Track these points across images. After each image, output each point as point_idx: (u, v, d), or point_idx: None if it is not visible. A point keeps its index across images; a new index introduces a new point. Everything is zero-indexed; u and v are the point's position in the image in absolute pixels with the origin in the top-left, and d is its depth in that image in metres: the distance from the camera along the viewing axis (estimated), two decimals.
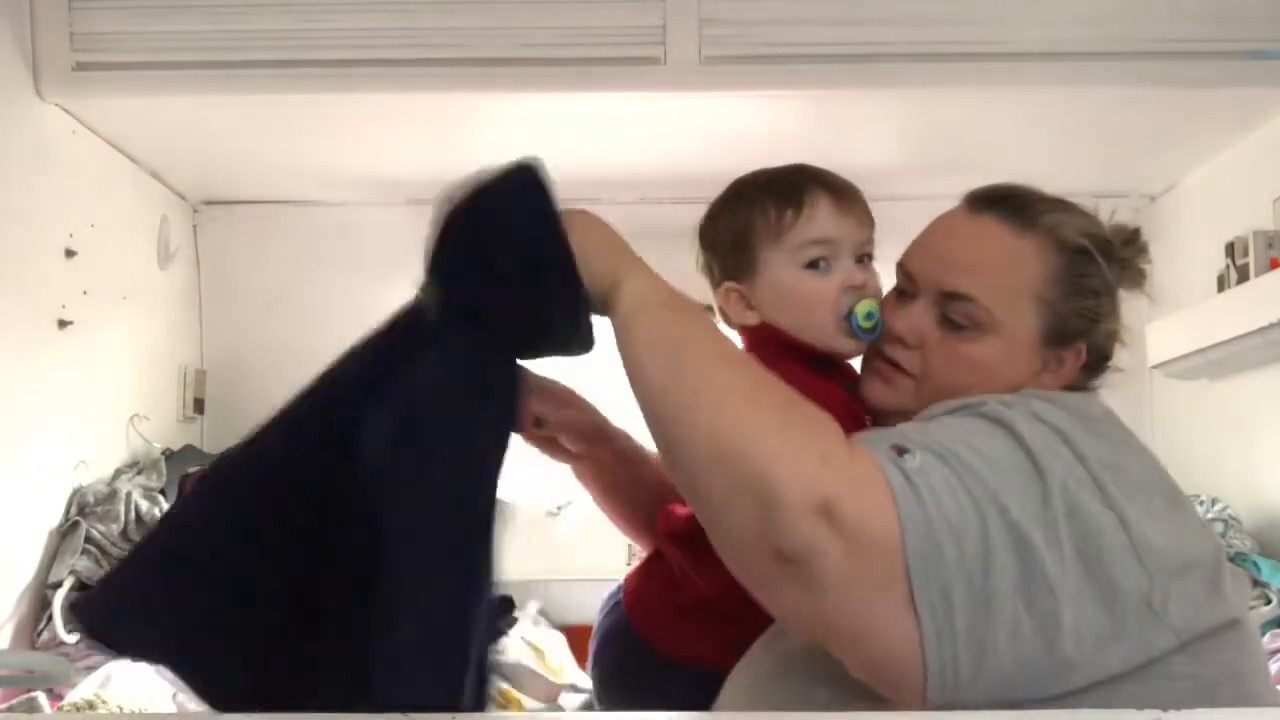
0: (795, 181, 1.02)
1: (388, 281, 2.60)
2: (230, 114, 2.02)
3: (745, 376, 0.79)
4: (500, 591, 0.83)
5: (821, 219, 0.99)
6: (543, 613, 2.38)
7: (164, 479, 2.13)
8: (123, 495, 1.97)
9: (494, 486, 0.82)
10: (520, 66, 1.85)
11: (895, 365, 0.96)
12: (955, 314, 0.92)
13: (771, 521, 0.70)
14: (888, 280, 1.02)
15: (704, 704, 0.91)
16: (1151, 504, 0.76)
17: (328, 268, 2.53)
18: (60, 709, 1.58)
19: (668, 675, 1.00)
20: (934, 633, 0.68)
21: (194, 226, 2.53)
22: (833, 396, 0.92)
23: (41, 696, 1.59)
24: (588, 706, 2.02)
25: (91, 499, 1.96)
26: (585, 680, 1.98)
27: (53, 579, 1.86)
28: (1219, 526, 2.04)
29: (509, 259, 0.89)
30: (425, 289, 0.91)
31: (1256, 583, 1.93)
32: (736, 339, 0.96)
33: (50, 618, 1.80)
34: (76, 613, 1.03)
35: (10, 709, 1.56)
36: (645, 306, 0.85)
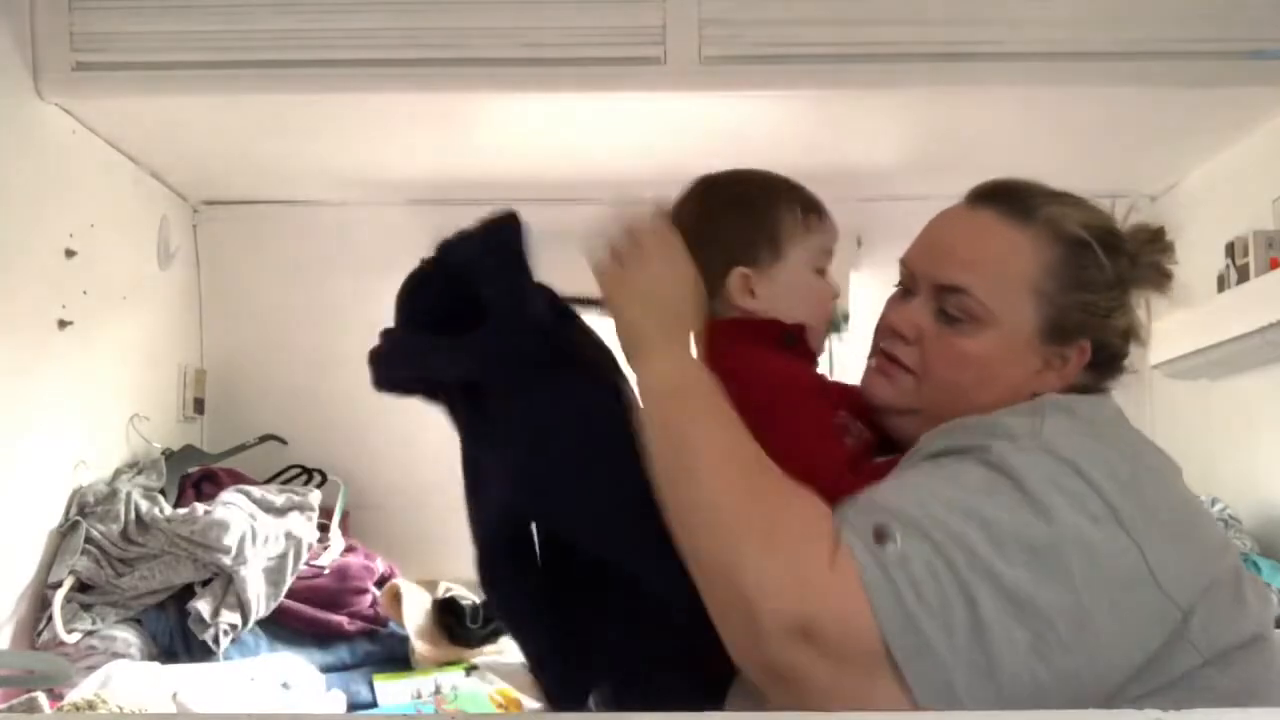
0: (808, 193, 1.07)
1: (388, 281, 2.60)
2: (230, 114, 2.02)
3: (737, 482, 0.79)
4: None
5: (832, 230, 1.06)
6: None
7: (164, 479, 2.13)
8: (123, 495, 1.96)
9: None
10: (520, 66, 1.84)
11: (895, 361, 0.96)
12: (951, 307, 0.92)
13: (757, 643, 0.73)
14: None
15: (712, 705, 0.91)
16: (1170, 524, 0.76)
17: (328, 268, 2.53)
18: (60, 709, 1.58)
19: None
20: (944, 713, 0.70)
21: (194, 226, 2.53)
22: (813, 378, 1.01)
23: (41, 696, 1.59)
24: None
25: (91, 499, 1.96)
26: None
27: (53, 579, 1.86)
28: (1221, 528, 2.04)
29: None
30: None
31: None
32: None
33: (50, 618, 1.80)
34: None
35: (10, 709, 1.56)
36: (656, 391, 0.86)
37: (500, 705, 1.95)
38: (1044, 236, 0.91)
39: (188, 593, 1.93)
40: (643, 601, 0.86)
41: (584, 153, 2.18)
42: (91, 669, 1.72)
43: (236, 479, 2.26)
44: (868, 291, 2.18)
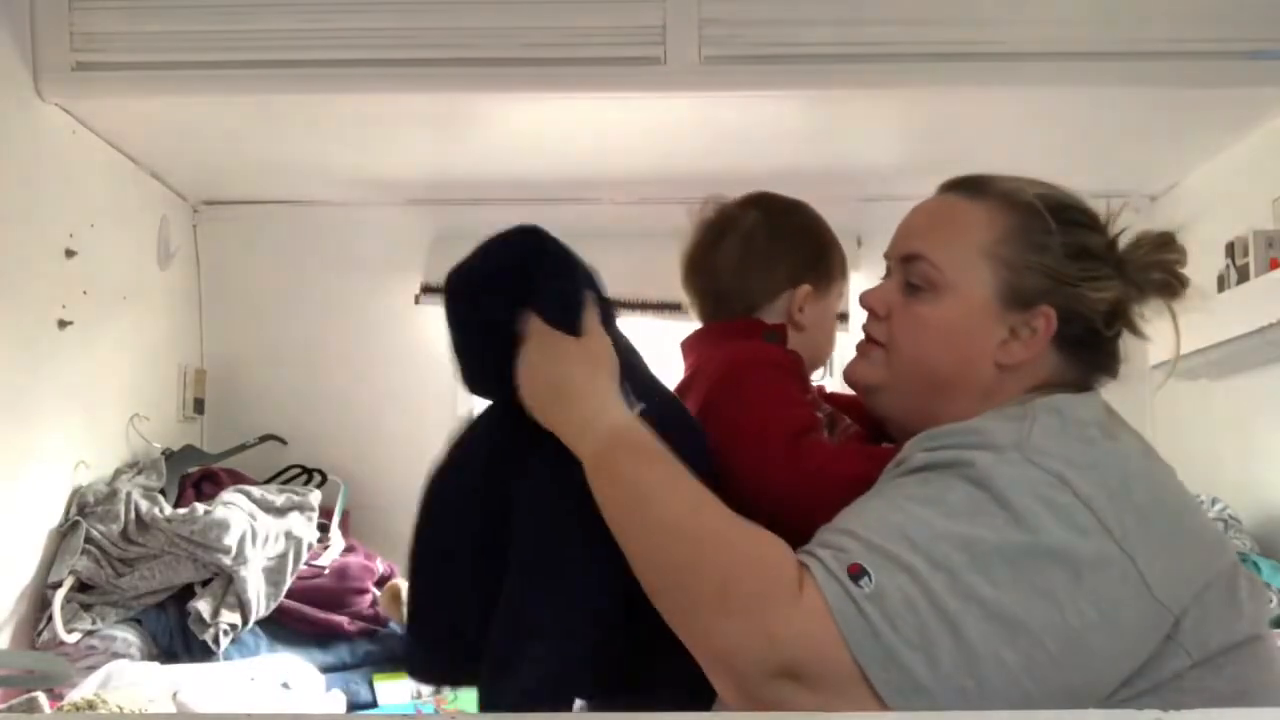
0: None
1: (388, 281, 2.62)
2: (230, 114, 2.02)
3: (686, 541, 0.79)
4: None
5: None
6: None
7: (164, 479, 2.13)
8: (123, 495, 1.97)
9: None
10: (520, 66, 1.85)
11: (869, 339, 0.99)
12: (913, 276, 0.94)
13: (742, 687, 0.73)
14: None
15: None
16: (1163, 529, 0.76)
17: (328, 268, 2.53)
18: (60, 709, 1.58)
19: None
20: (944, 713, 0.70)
21: (194, 226, 2.53)
22: (787, 358, 1.08)
23: (41, 696, 1.59)
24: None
25: (91, 499, 1.96)
26: None
27: (53, 579, 1.86)
28: (1219, 526, 2.04)
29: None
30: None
31: None
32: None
33: (50, 618, 1.80)
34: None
35: (10, 709, 1.56)
36: (597, 465, 0.84)
37: None
38: (998, 206, 0.93)
39: (188, 593, 1.93)
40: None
41: (584, 153, 2.18)
42: (91, 669, 1.72)
43: (236, 479, 2.26)
44: None
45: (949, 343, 0.91)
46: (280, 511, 2.10)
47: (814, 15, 1.84)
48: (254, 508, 2.05)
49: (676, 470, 0.83)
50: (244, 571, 1.92)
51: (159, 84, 1.87)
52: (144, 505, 1.96)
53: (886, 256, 1.01)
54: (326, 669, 2.00)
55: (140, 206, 2.30)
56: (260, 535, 1.99)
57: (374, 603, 2.12)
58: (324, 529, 2.19)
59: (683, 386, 1.10)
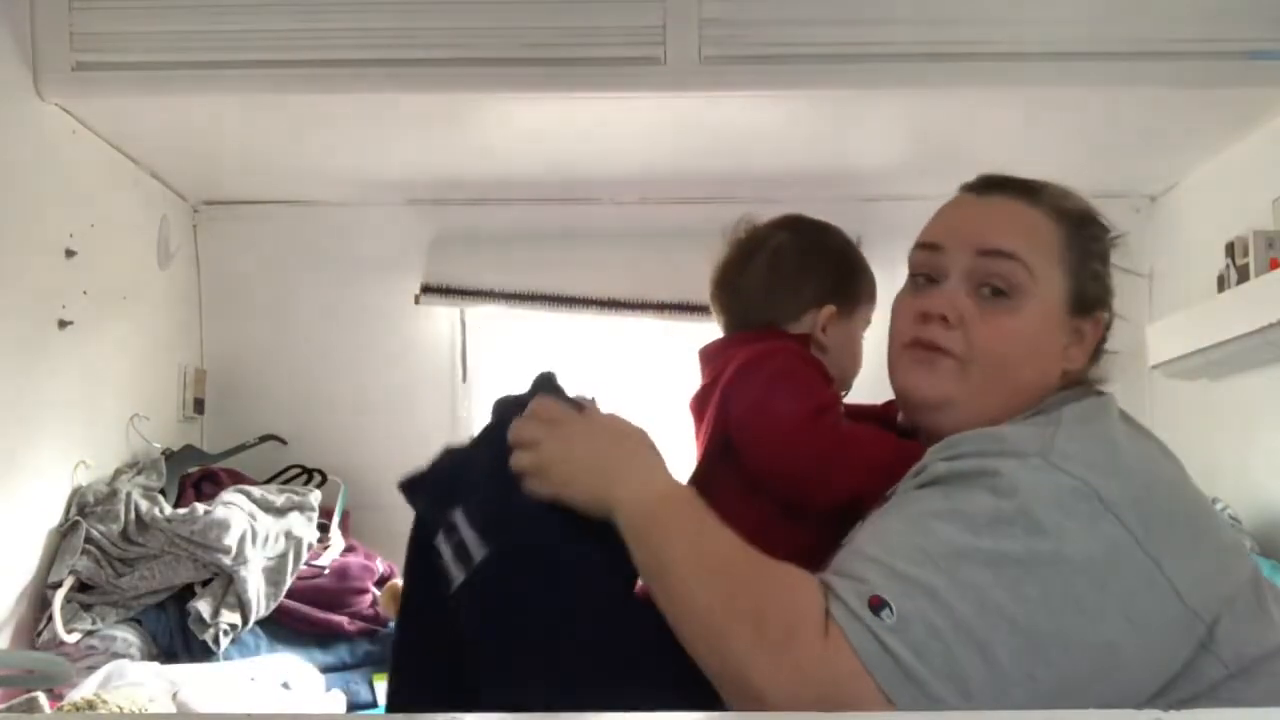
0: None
1: (388, 281, 2.61)
2: (230, 114, 2.02)
3: (718, 591, 0.79)
4: None
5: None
6: None
7: (164, 479, 2.13)
8: (123, 495, 1.96)
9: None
10: (520, 66, 1.84)
11: (936, 348, 0.93)
12: (995, 278, 0.91)
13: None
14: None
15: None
16: (1187, 535, 0.75)
17: (328, 268, 2.53)
18: (60, 709, 1.58)
19: None
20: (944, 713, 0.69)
21: (194, 226, 2.53)
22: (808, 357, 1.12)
23: (41, 696, 1.59)
24: None
25: (91, 499, 1.96)
26: None
27: (53, 579, 1.86)
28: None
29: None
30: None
31: None
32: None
33: (50, 618, 1.80)
34: None
35: (10, 709, 1.56)
36: (631, 527, 0.85)
37: None
38: (1054, 213, 0.94)
39: (188, 593, 1.93)
40: None
41: (584, 153, 2.18)
42: (91, 669, 1.71)
43: (236, 479, 2.26)
44: None
45: (1034, 352, 0.90)
46: (280, 511, 2.10)
47: (814, 15, 1.84)
48: (254, 508, 2.05)
49: (706, 520, 0.84)
50: (244, 571, 1.92)
51: (159, 84, 1.87)
52: (144, 505, 1.96)
53: (933, 251, 0.96)
54: (326, 669, 2.00)
55: (140, 206, 2.30)
56: (260, 535, 1.99)
57: (374, 603, 2.12)
58: (324, 529, 2.19)
59: (701, 394, 1.10)
